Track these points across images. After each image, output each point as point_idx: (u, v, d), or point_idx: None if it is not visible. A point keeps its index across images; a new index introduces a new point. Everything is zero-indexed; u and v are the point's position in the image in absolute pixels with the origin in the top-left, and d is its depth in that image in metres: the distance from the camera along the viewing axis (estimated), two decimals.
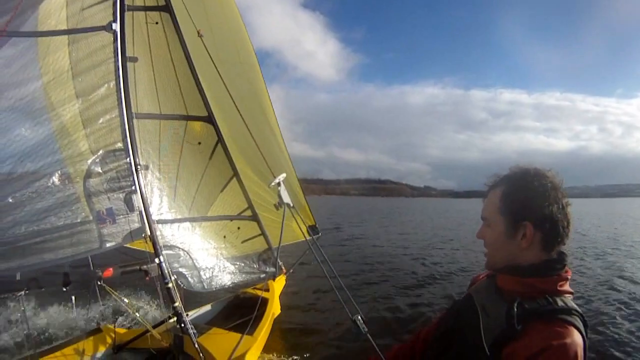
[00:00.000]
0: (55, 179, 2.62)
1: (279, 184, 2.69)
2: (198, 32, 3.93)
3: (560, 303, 1.13)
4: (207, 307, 5.02)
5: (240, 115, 4.45)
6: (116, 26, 3.02)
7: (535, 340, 1.06)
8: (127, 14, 3.37)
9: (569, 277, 1.20)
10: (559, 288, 1.18)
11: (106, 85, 2.98)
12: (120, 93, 3.05)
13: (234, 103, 4.34)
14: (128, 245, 3.48)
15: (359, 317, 2.00)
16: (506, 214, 1.23)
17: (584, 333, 1.08)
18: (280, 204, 2.74)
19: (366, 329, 1.97)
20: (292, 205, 2.73)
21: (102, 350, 3.77)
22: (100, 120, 2.96)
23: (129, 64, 3.26)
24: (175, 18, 3.88)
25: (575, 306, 1.14)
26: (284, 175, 2.81)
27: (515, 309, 1.12)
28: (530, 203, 1.19)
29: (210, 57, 3.96)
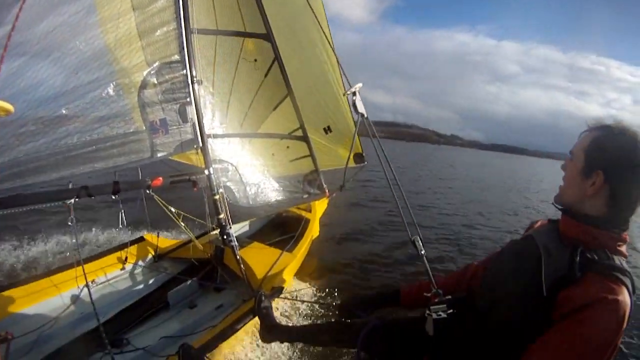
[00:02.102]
0: (110, 89, 2.70)
1: (354, 93, 2.64)
2: None
3: (617, 261, 1.19)
4: (250, 223, 5.23)
5: (303, 33, 4.33)
6: None
7: (592, 290, 1.13)
8: None
9: (627, 240, 1.24)
10: (618, 247, 1.23)
11: None
12: (179, 5, 3.03)
13: (298, 21, 4.21)
14: (177, 159, 3.61)
15: (418, 238, 2.06)
16: (587, 154, 1.29)
17: (632, 295, 1.15)
18: (355, 112, 2.68)
19: (423, 251, 2.03)
20: (366, 116, 2.70)
21: (144, 257, 4.05)
22: (157, 33, 2.98)
23: None
24: None
25: (628, 268, 1.19)
26: (360, 84, 2.74)
27: (579, 256, 1.19)
28: (610, 156, 1.23)
29: None
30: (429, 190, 17.08)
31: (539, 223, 1.60)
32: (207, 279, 3.88)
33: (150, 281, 3.88)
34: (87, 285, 2.71)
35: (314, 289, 4.99)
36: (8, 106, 1.69)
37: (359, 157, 5.46)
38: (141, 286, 3.80)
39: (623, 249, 1.23)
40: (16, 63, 2.30)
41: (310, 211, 5.44)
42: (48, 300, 3.25)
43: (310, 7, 3.73)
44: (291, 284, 4.47)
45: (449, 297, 1.65)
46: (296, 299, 3.96)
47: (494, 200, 16.11)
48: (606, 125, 1.30)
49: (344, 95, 4.13)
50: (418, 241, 2.04)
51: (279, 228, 5.13)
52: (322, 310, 4.30)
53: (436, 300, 1.66)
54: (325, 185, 5.17)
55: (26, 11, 2.17)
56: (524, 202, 17.20)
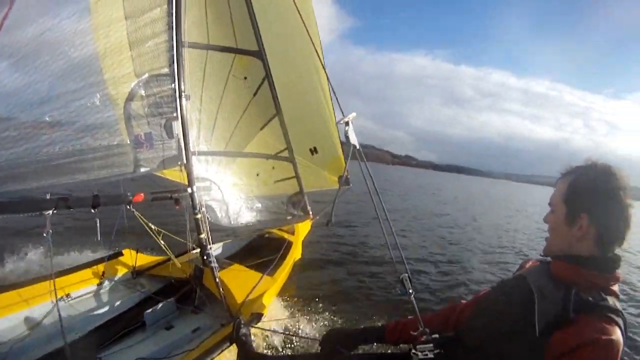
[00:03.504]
0: (96, 99, 2.60)
1: (347, 123, 2.59)
2: None
3: (611, 302, 1.19)
4: (231, 244, 5.13)
5: (296, 53, 4.30)
6: None
7: (585, 331, 1.12)
8: None
9: (620, 279, 1.26)
10: (610, 287, 1.23)
11: (158, 8, 2.88)
12: (172, 17, 2.95)
13: (290, 40, 4.18)
14: (160, 174, 3.52)
15: (407, 276, 1.99)
16: (567, 203, 1.31)
17: (624, 334, 1.15)
18: (346, 143, 2.65)
19: (412, 290, 1.96)
20: (358, 147, 2.66)
21: (121, 273, 3.93)
22: (148, 44, 2.89)
23: None
24: None
25: (620, 308, 1.19)
26: (354, 114, 2.70)
27: (573, 297, 1.19)
28: (589, 197, 1.25)
29: None
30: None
31: (529, 263, 1.60)
32: (185, 300, 3.76)
33: (127, 298, 3.73)
34: (57, 300, 2.67)
35: (295, 317, 4.84)
36: None
37: (344, 180, 5.43)
38: (117, 303, 3.65)
39: (616, 288, 1.24)
40: (2, 65, 2.21)
41: (293, 233, 5.36)
42: (19, 313, 3.08)
43: (305, 26, 3.70)
44: (271, 309, 4.35)
45: (436, 336, 1.60)
46: (275, 331, 3.82)
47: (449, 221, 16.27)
48: (577, 167, 1.34)
49: (336, 124, 4.12)
50: (406, 280, 1.98)
51: (261, 250, 5.01)
52: (302, 342, 4.17)
53: (423, 339, 1.61)
54: (309, 207, 5.09)
55: (16, 12, 2.09)
56: (479, 223, 17.41)
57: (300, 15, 3.55)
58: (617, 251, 1.27)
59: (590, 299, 1.18)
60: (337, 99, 4.31)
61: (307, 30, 3.57)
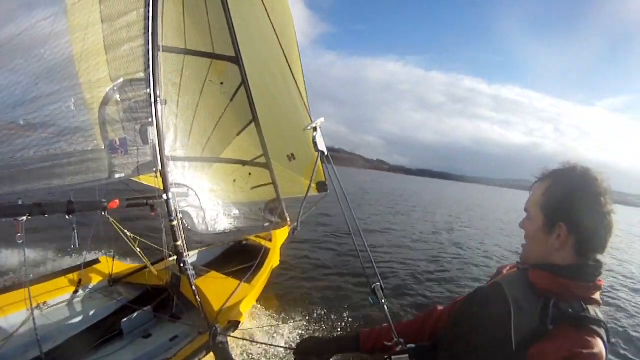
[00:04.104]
0: (71, 103, 2.55)
1: (315, 128, 2.59)
2: None
3: (592, 312, 1.13)
4: (208, 251, 5.08)
5: (272, 59, 4.29)
6: None
7: (565, 344, 1.05)
8: None
9: (602, 286, 1.19)
10: (592, 296, 1.17)
11: (135, 12, 2.84)
12: (148, 22, 2.92)
13: (267, 46, 4.17)
14: (137, 180, 3.47)
15: (379, 285, 1.98)
16: (545, 211, 1.24)
17: (607, 345, 1.08)
18: (316, 150, 2.64)
19: (384, 300, 1.94)
20: (326, 153, 2.66)
21: (98, 281, 3.85)
22: (124, 48, 2.85)
23: None
24: None
25: (603, 318, 1.13)
26: (322, 119, 2.70)
27: (551, 308, 1.12)
28: (568, 205, 1.18)
29: None
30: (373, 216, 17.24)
31: (507, 269, 1.52)
32: (162, 308, 3.70)
33: (104, 307, 3.66)
34: (32, 309, 2.61)
35: (271, 325, 4.80)
36: None
37: (322, 186, 5.43)
38: (94, 311, 3.58)
39: (597, 296, 1.18)
40: None
41: (270, 240, 5.33)
42: None
43: (277, 35, 3.72)
44: (248, 317, 4.30)
45: (412, 345, 1.57)
46: (251, 341, 3.79)
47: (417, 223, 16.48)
48: (554, 171, 1.26)
49: (304, 130, 4.13)
50: (379, 289, 1.98)
51: (238, 257, 4.97)
52: (278, 351, 4.15)
53: (398, 349, 1.58)
54: (286, 214, 5.07)
55: None
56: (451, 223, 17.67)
57: (272, 19, 3.56)
58: (599, 257, 1.20)
59: (570, 310, 1.12)
60: (306, 104, 4.37)
61: (283, 35, 3.58)
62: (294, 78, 4.42)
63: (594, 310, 1.14)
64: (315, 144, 2.79)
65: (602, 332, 1.09)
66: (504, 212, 34.44)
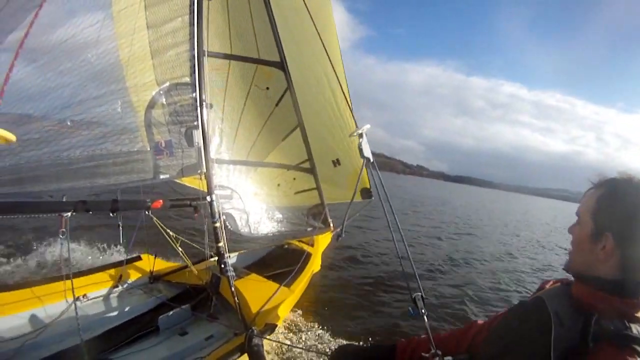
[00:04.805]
0: (118, 106, 2.65)
1: (361, 135, 2.55)
2: None
3: (635, 330, 1.06)
4: (249, 253, 5.12)
5: (317, 64, 4.31)
6: None
7: None
8: None
9: None
10: (635, 314, 1.10)
11: (180, 18, 2.93)
12: (194, 27, 3.00)
13: (311, 51, 4.20)
14: (181, 182, 3.55)
15: (420, 296, 1.93)
16: (594, 218, 1.19)
17: None
18: (361, 156, 2.61)
19: (425, 310, 1.90)
20: (372, 160, 2.62)
21: (138, 278, 3.96)
22: (170, 53, 2.94)
23: (204, 0, 3.17)
24: None
25: None
26: (367, 126, 2.66)
27: (593, 325, 1.07)
28: (617, 216, 1.13)
29: None
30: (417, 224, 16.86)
31: (550, 283, 1.47)
32: (200, 307, 3.73)
33: (143, 302, 3.75)
34: (75, 299, 2.67)
35: (309, 329, 4.77)
36: (10, 136, 1.64)
37: (366, 192, 5.36)
38: (133, 306, 3.68)
39: None
40: (27, 69, 2.26)
41: (312, 245, 5.31)
42: (35, 309, 3.14)
43: (321, 40, 3.72)
44: (286, 321, 4.30)
45: (449, 358, 1.53)
46: (288, 344, 3.78)
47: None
48: (611, 179, 1.21)
49: (349, 136, 4.10)
50: (419, 299, 1.91)
51: (279, 260, 4.98)
52: (312, 357, 4.12)
53: None
54: (330, 220, 5.05)
55: (42, 17, 2.16)
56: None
57: (315, 23, 3.56)
58: None
59: (612, 327, 1.07)
60: (350, 109, 4.34)
61: (326, 40, 3.57)
62: (339, 82, 4.41)
63: (637, 329, 1.07)
64: (360, 150, 2.75)
65: None
66: (553, 224, 32.64)
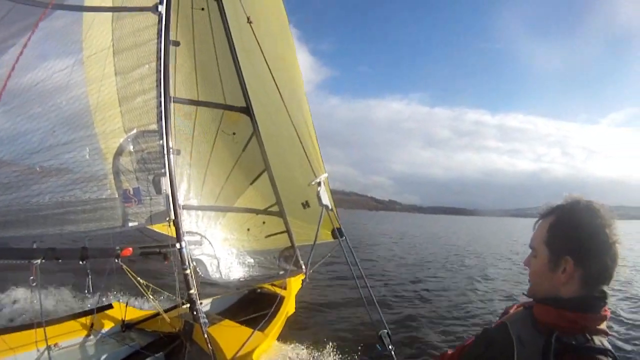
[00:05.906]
0: (86, 153, 2.64)
1: (319, 183, 2.61)
2: (248, 19, 3.84)
3: (597, 342, 1.10)
4: (222, 299, 5.01)
5: (284, 108, 4.42)
6: (162, 8, 3.00)
7: None
8: None
9: (608, 316, 1.17)
10: (597, 327, 1.14)
11: (147, 65, 2.98)
12: (160, 75, 3.04)
13: (278, 96, 4.31)
14: (151, 228, 3.50)
15: (386, 332, 1.92)
16: (550, 246, 1.22)
17: None
18: (320, 204, 2.65)
19: (392, 346, 1.89)
20: (330, 207, 2.67)
21: (110, 326, 3.82)
22: (137, 100, 2.97)
23: (171, 48, 3.25)
24: (222, 5, 3.87)
25: (610, 347, 1.11)
26: (325, 175, 2.73)
27: (553, 343, 1.10)
28: (573, 239, 1.17)
29: (259, 45, 3.86)
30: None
31: (513, 308, 1.50)
32: (174, 355, 3.64)
33: (116, 351, 3.63)
34: (47, 348, 2.62)
35: None
36: None
37: (338, 232, 5.37)
38: (106, 355, 3.57)
39: (603, 326, 1.16)
40: None
41: (285, 288, 5.24)
42: (7, 358, 2.96)
43: (287, 84, 3.84)
44: None
45: None
46: None
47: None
48: (557, 207, 1.25)
49: (308, 185, 4.17)
50: (385, 336, 1.93)
51: (252, 305, 4.88)
52: None
53: None
54: (301, 262, 5.01)
55: (11, 60, 2.16)
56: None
57: (281, 68, 3.68)
58: (604, 288, 1.18)
59: (574, 342, 1.10)
60: (318, 151, 4.42)
61: (292, 84, 3.68)
62: (306, 125, 4.51)
63: (599, 340, 1.12)
64: (319, 198, 2.81)
65: None
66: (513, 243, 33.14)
